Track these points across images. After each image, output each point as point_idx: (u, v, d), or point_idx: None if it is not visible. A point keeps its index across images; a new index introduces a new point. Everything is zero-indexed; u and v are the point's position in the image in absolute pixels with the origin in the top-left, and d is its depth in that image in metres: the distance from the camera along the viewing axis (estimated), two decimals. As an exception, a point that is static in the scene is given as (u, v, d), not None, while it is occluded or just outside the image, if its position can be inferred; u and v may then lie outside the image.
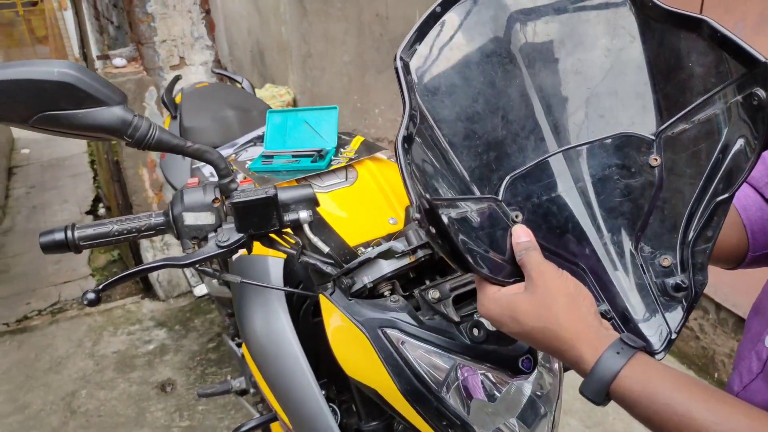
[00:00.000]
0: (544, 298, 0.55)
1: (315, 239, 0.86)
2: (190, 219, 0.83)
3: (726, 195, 0.57)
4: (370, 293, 0.84)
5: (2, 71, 0.66)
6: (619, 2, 0.62)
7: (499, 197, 0.61)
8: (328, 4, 3.08)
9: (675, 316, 0.58)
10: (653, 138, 0.60)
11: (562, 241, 0.61)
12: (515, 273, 0.59)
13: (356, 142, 1.27)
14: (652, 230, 0.60)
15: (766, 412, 0.50)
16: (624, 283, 0.59)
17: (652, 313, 0.58)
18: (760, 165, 0.73)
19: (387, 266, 0.83)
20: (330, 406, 0.94)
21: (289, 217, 0.84)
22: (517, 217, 0.61)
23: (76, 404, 2.26)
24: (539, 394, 0.86)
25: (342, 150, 1.24)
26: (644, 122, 0.60)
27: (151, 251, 2.82)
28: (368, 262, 0.82)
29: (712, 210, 0.58)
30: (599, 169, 0.61)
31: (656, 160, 0.59)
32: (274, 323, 0.98)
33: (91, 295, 0.76)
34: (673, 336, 0.57)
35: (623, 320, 0.59)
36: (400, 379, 0.76)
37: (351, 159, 1.19)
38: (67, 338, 2.66)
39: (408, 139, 0.58)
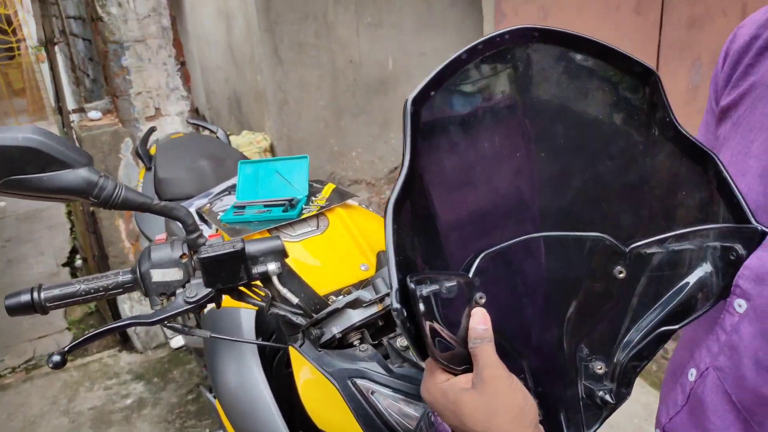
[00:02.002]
0: (492, 405, 0.53)
1: (284, 290, 0.86)
2: (158, 276, 0.83)
3: (673, 327, 0.58)
4: (340, 343, 0.84)
5: None
6: (643, 109, 0.59)
7: (470, 274, 0.56)
8: (302, 53, 3.16)
9: (593, 418, 0.59)
10: (625, 250, 0.58)
11: (513, 329, 0.59)
12: (467, 360, 0.56)
13: (327, 190, 1.29)
14: (594, 335, 0.59)
15: None
16: (556, 379, 0.59)
17: (573, 411, 0.59)
18: None
19: (356, 315, 0.83)
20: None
21: (257, 269, 0.85)
22: (480, 298, 0.57)
23: (50, 465, 2.19)
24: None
25: (313, 198, 1.25)
26: (620, 227, 0.59)
27: (128, 302, 2.78)
28: (337, 312, 0.83)
29: (655, 336, 0.58)
30: (564, 265, 0.58)
31: (622, 273, 0.58)
32: (247, 376, 0.97)
33: (56, 358, 0.76)
34: None
35: (546, 416, 0.59)
36: (370, 429, 0.76)
37: (322, 207, 1.20)
38: (42, 395, 2.59)
39: (401, 202, 0.53)
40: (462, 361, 0.56)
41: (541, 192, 0.59)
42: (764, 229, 0.55)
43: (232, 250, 0.81)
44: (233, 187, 1.54)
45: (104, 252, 2.70)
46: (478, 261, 0.56)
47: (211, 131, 2.15)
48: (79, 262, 3.93)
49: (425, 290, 0.53)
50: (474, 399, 0.54)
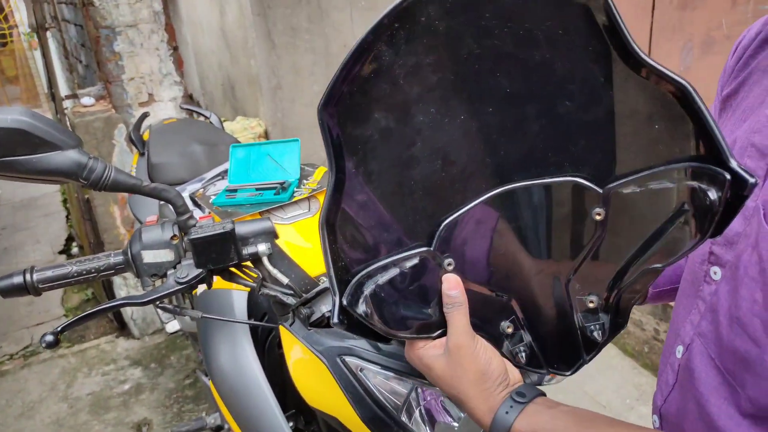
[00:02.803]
0: (456, 372, 0.59)
1: (274, 271, 0.87)
2: (149, 257, 0.84)
3: (658, 266, 0.57)
4: (329, 322, 0.85)
5: None
6: (600, 48, 0.51)
7: (432, 247, 0.57)
8: (296, 38, 3.14)
9: (590, 347, 0.61)
10: (600, 191, 0.55)
11: (494, 277, 0.60)
12: (443, 323, 0.59)
13: (319, 173, 1.29)
14: (584, 272, 0.59)
15: (648, 428, 0.54)
16: (549, 313, 0.61)
17: (568, 343, 0.61)
18: None
19: (345, 295, 0.84)
20: (298, 438, 0.95)
21: (247, 250, 0.85)
22: (449, 265, 0.58)
23: (49, 449, 2.21)
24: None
25: (305, 181, 1.26)
26: (595, 167, 0.55)
27: (124, 289, 2.79)
28: (326, 291, 0.84)
29: (642, 273, 0.58)
30: (542, 210, 0.57)
31: (600, 215, 0.56)
32: (239, 357, 0.99)
33: (49, 338, 0.77)
34: (586, 363, 0.61)
35: (542, 348, 0.61)
36: (360, 406, 0.77)
37: (314, 190, 1.21)
38: (40, 382, 2.61)
39: (331, 220, 0.55)
40: (438, 326, 0.60)
41: (498, 147, 0.56)
42: (744, 175, 0.49)
43: (222, 230, 0.82)
44: (226, 171, 1.54)
45: (100, 239, 2.71)
46: (440, 231, 0.57)
47: (205, 116, 2.15)
48: (75, 250, 3.94)
49: (378, 284, 0.57)
50: (442, 365, 0.60)
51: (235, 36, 3.49)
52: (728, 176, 0.49)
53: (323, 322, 0.84)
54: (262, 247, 0.85)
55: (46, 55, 2.55)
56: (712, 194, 0.50)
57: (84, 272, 0.83)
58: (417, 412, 0.81)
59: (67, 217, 4.60)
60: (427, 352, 0.61)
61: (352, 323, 0.58)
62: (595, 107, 0.53)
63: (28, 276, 0.81)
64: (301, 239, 1.09)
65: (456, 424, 0.84)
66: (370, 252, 0.58)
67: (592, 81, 0.53)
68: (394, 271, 0.58)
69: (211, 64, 4.22)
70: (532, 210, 0.57)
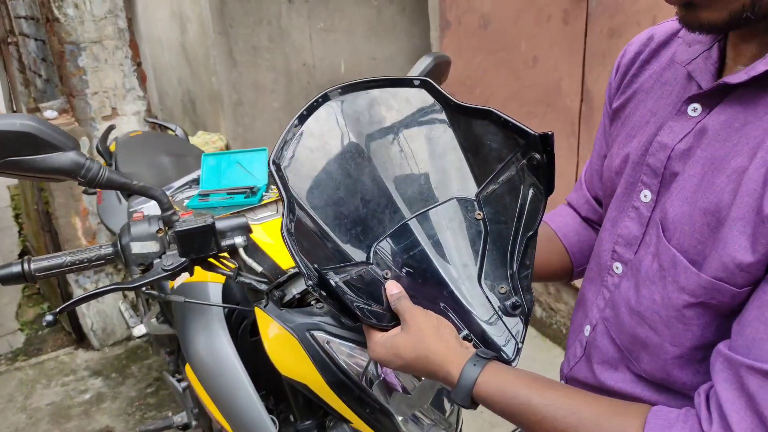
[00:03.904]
0: (416, 333, 0.69)
1: (250, 261, 0.98)
2: (137, 248, 0.94)
3: (531, 231, 0.75)
4: (299, 303, 0.97)
5: None
6: (431, 104, 0.81)
7: (371, 261, 0.76)
8: (257, 56, 3.26)
9: (518, 329, 0.75)
10: (474, 199, 0.79)
11: (425, 288, 0.76)
12: (394, 318, 0.73)
13: (285, 180, 1.42)
14: (488, 267, 0.77)
15: (584, 390, 0.66)
16: (477, 311, 0.75)
17: (501, 331, 0.75)
18: (577, 193, 0.94)
19: (312, 280, 0.97)
20: (270, 417, 1.06)
21: (225, 242, 0.97)
22: (387, 274, 0.76)
23: (9, 459, 2.21)
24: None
25: (272, 186, 1.38)
26: (467, 188, 0.80)
27: (84, 306, 2.81)
28: (295, 276, 0.96)
29: (525, 245, 0.76)
30: (441, 227, 0.78)
31: (479, 214, 0.78)
32: (215, 342, 1.09)
33: (49, 318, 0.86)
34: (520, 345, 0.74)
35: (482, 341, 0.75)
36: (326, 373, 0.89)
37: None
38: (-4, 394, 2.60)
39: (290, 228, 0.72)
40: (390, 320, 0.74)
41: (399, 188, 0.81)
42: (536, 133, 0.74)
43: (204, 224, 0.93)
44: (194, 180, 1.64)
45: (60, 250, 2.72)
46: (373, 250, 0.77)
47: (170, 129, 2.23)
48: (29, 264, 3.90)
49: (339, 278, 0.72)
50: (404, 337, 0.71)
51: (197, 53, 3.58)
52: (535, 133, 0.74)
53: (293, 303, 0.96)
54: (239, 240, 0.97)
55: (8, 71, 2.58)
56: (537, 156, 0.74)
57: (77, 262, 0.93)
58: (376, 383, 0.94)
59: (19, 232, 4.53)
60: (388, 337, 0.72)
61: (324, 291, 0.70)
62: (451, 151, 0.81)
63: (25, 265, 0.90)
64: (269, 238, 1.21)
65: (410, 395, 0.97)
66: (325, 260, 0.74)
67: (442, 135, 0.81)
68: (345, 275, 0.73)
69: (171, 79, 4.28)
70: (436, 229, 0.78)
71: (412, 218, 0.79)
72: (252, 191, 1.32)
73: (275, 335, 0.94)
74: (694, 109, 0.64)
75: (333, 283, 0.70)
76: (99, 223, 2.74)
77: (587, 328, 0.80)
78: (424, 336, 0.69)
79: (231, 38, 3.14)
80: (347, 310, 0.71)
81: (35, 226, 3.13)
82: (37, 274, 0.90)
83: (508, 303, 0.75)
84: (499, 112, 0.77)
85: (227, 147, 3.37)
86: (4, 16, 3.01)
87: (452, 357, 0.68)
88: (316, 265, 0.70)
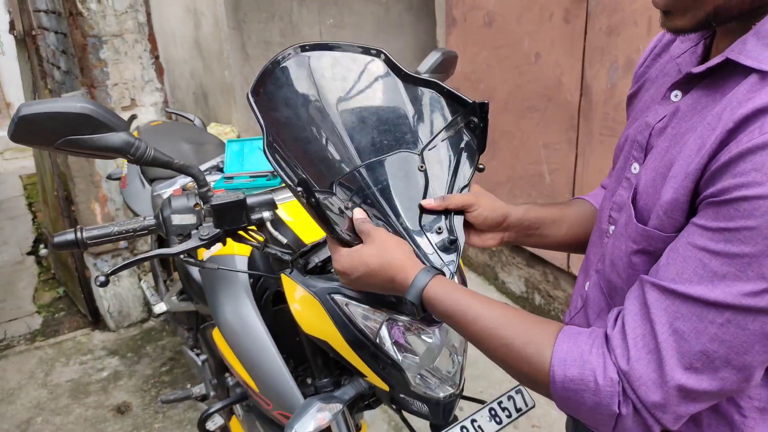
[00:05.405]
0: (381, 243, 0.82)
1: (276, 233, 1.10)
2: (177, 220, 1.06)
3: (466, 183, 0.92)
4: (321, 270, 1.08)
5: (37, 106, 0.88)
6: (385, 72, 0.98)
7: (334, 192, 0.89)
8: (268, 50, 3.36)
9: (452, 260, 0.88)
10: (419, 154, 0.95)
11: (379, 224, 0.88)
12: (358, 240, 0.85)
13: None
14: (426, 210, 0.91)
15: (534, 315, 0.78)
16: (420, 243, 0.89)
17: (438, 263, 0.88)
18: (609, 177, 1.05)
19: (333, 250, 1.08)
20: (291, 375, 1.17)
21: (255, 216, 1.08)
22: (348, 205, 0.88)
23: (32, 430, 2.33)
24: (455, 346, 1.13)
25: (291, 171, 1.49)
26: (414, 144, 0.95)
27: (102, 289, 2.92)
28: (318, 246, 1.07)
29: (460, 192, 0.91)
30: (390, 175, 0.92)
31: (422, 167, 0.93)
32: (242, 308, 1.20)
33: (102, 278, 0.97)
34: (453, 273, 0.87)
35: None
36: (345, 331, 1.00)
37: (299, 177, 1.44)
38: (18, 370, 2.72)
39: (270, 145, 0.83)
40: (355, 239, 0.86)
41: (353, 138, 0.95)
42: (474, 101, 0.92)
43: (236, 199, 1.04)
44: (214, 167, 1.75)
45: (79, 235, 2.84)
46: (335, 185, 0.90)
47: (188, 119, 2.34)
48: (44, 251, 4.01)
49: (321, 196, 0.84)
50: (368, 248, 0.83)
51: (210, 47, 3.69)
52: (474, 102, 0.92)
53: (316, 270, 1.07)
54: (267, 214, 1.08)
55: (31, 62, 2.70)
56: (475, 119, 0.93)
57: (123, 232, 1.04)
58: (389, 342, 1.05)
59: (33, 219, 4.66)
60: (352, 250, 0.83)
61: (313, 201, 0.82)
62: (401, 113, 0.96)
63: (79, 234, 1.01)
64: (292, 217, 1.32)
65: (417, 358, 1.08)
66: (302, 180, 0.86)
67: (395, 99, 0.97)
68: (324, 196, 0.86)
69: (183, 73, 4.40)
70: (386, 176, 0.92)
71: (366, 164, 0.92)
72: (273, 174, 1.43)
73: (300, 298, 1.05)
74: (675, 95, 0.76)
75: (317, 196, 0.81)
76: (117, 209, 2.85)
77: (587, 284, 0.91)
78: (387, 246, 0.82)
79: (244, 33, 3.25)
80: (325, 220, 0.81)
81: (54, 212, 3.25)
82: (89, 242, 1.01)
83: (444, 240, 0.88)
84: (443, 84, 0.95)
85: (239, 138, 3.48)
86: (26, 10, 3.13)
87: (410, 264, 0.81)
88: (303, 176, 0.82)
